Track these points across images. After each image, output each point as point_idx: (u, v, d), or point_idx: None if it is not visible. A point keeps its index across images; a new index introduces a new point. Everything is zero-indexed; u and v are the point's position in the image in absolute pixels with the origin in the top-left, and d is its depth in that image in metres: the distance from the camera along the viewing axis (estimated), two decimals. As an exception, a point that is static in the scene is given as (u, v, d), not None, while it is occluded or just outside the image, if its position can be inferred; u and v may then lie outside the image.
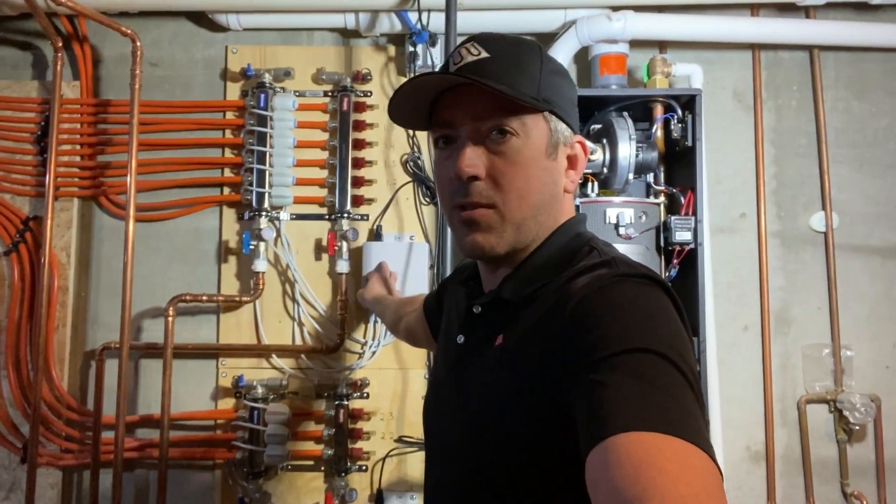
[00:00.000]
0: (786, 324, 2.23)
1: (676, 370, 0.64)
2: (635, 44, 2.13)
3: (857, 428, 2.15)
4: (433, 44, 2.13)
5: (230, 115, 2.24)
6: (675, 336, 0.68)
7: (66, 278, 2.19)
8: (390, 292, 1.94)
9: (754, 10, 2.27)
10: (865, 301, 2.22)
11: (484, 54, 0.82)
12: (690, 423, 0.60)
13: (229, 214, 2.24)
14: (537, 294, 0.81)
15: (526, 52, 0.84)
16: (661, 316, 0.70)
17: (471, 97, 0.81)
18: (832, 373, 2.19)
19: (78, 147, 2.23)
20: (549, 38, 2.17)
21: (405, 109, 0.87)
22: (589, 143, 1.85)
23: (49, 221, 2.10)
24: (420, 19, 2.07)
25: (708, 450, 0.58)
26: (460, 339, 0.90)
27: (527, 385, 0.75)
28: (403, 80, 2.18)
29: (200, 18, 2.28)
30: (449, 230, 1.99)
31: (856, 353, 2.20)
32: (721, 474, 0.58)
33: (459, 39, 1.90)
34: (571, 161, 0.88)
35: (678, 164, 2.03)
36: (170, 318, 2.07)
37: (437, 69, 2.14)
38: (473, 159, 0.81)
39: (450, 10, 1.90)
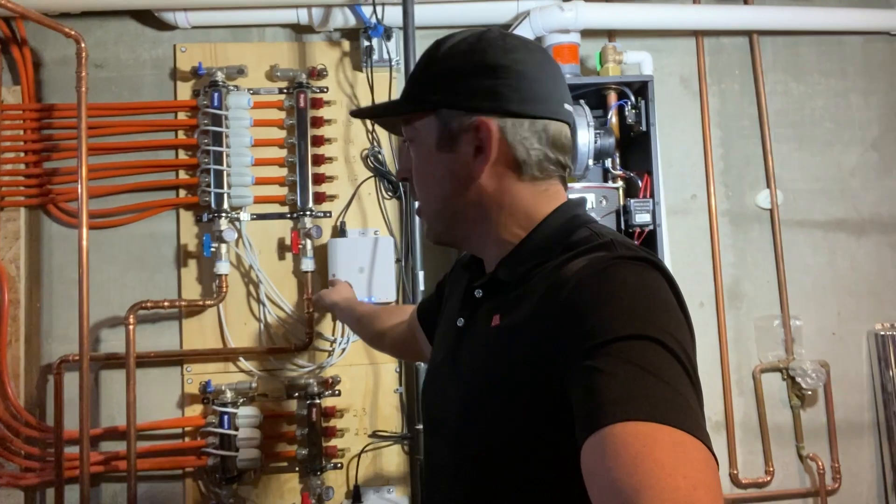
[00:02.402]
0: (738, 298, 2.33)
1: (673, 357, 0.63)
2: (586, 33, 2.18)
3: (809, 393, 2.27)
4: (389, 38, 2.13)
5: (182, 116, 2.19)
6: (673, 322, 0.68)
7: (17, 291, 2.11)
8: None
9: (696, -2, 2.36)
10: (810, 273, 2.34)
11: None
12: (687, 413, 0.59)
13: (187, 217, 2.19)
14: (533, 274, 0.80)
15: (424, 55, 0.89)
16: (659, 301, 0.70)
17: None
18: (783, 342, 2.31)
19: (22, 154, 2.14)
20: (504, 29, 2.19)
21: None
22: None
23: (-5, 233, 2.01)
24: (375, 13, 2.07)
25: (704, 439, 0.58)
26: (460, 321, 0.90)
27: (521, 365, 0.74)
28: (360, 74, 2.21)
29: (146, 17, 2.21)
30: (416, 223, 2.01)
31: (804, 323, 2.32)
32: (717, 463, 0.59)
33: (417, 33, 1.94)
34: (478, 146, 0.83)
35: (633, 149, 2.09)
36: (131, 327, 2.01)
37: (394, 63, 2.16)
38: (403, 163, 0.93)
39: (406, 4, 1.90)
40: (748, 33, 2.36)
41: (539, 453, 0.73)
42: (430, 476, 0.95)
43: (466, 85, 0.83)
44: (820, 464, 2.24)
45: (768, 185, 2.35)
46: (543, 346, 0.72)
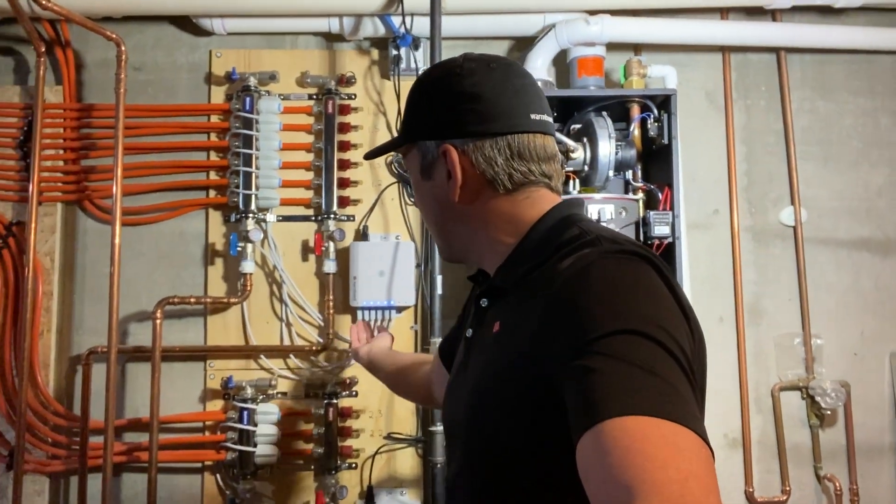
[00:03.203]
0: (758, 315, 2.31)
1: (663, 349, 0.63)
2: (612, 46, 2.21)
3: (829, 413, 2.24)
4: (416, 47, 2.18)
5: (215, 119, 2.26)
6: (661, 312, 0.68)
7: (51, 283, 2.19)
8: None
9: (724, 13, 2.36)
10: (833, 291, 2.32)
11: None
12: (678, 404, 0.59)
13: (215, 217, 2.25)
14: (526, 278, 0.82)
15: (408, 94, 0.95)
16: (646, 293, 0.70)
17: None
18: (803, 361, 2.28)
19: (61, 152, 2.22)
20: (529, 41, 2.23)
21: None
22: (570, 142, 1.93)
23: (33, 226, 2.09)
24: (404, 23, 2.11)
25: (697, 428, 0.58)
26: (469, 332, 0.93)
27: (519, 367, 0.75)
28: (387, 82, 2.26)
29: (184, 23, 2.29)
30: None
31: (825, 342, 2.29)
32: (712, 451, 0.59)
33: (444, 44, 1.98)
34: (449, 171, 0.87)
35: (655, 162, 2.10)
36: (157, 321, 2.08)
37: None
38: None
39: (434, 15, 1.95)
40: (776, 50, 2.36)
41: (541, 454, 0.74)
42: (448, 485, 0.97)
43: (432, 116, 0.89)
44: (837, 485, 2.21)
45: (792, 202, 2.34)
46: (536, 348, 0.73)
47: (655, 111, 2.02)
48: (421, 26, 2.10)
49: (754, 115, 2.38)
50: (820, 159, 2.36)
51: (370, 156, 1.04)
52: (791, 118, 2.35)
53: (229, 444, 2.10)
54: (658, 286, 0.72)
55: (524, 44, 2.27)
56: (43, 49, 2.11)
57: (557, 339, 0.69)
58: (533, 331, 0.74)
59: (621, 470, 0.55)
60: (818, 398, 2.21)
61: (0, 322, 2.15)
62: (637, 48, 2.32)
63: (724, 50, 2.36)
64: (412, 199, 2.24)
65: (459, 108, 0.86)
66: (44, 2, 1.91)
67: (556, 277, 0.74)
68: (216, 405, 2.19)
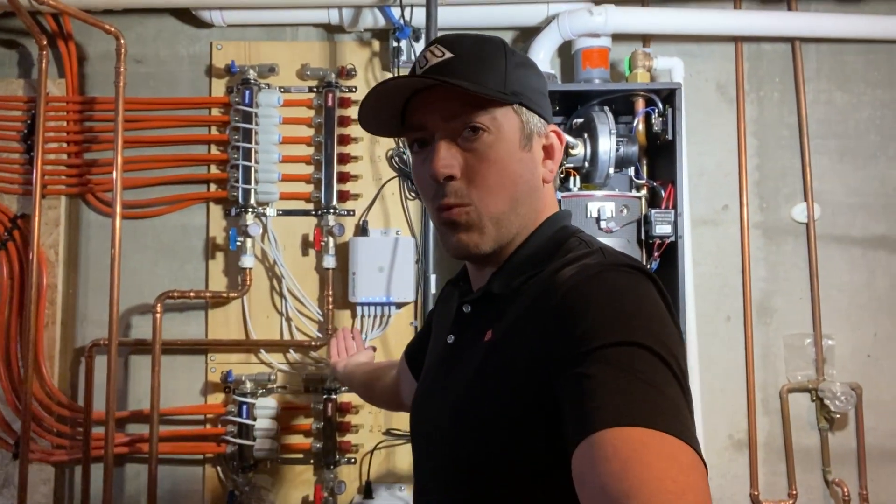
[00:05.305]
0: (768, 314, 2.25)
1: (663, 364, 0.64)
2: (618, 37, 2.14)
3: (839, 416, 2.18)
4: (417, 38, 2.14)
5: (216, 112, 2.25)
6: (663, 328, 0.68)
7: (55, 276, 2.21)
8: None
9: (737, 2, 2.28)
10: (846, 291, 2.25)
11: (448, 55, 0.82)
12: (677, 418, 0.60)
13: (216, 211, 2.25)
14: (525, 286, 0.81)
15: (490, 48, 0.84)
16: (648, 307, 0.70)
17: (439, 98, 0.82)
18: (814, 362, 2.22)
19: (64, 145, 2.24)
20: (532, 32, 2.18)
21: (376, 117, 0.88)
22: (570, 138, 1.88)
23: (37, 219, 2.11)
24: (402, 14, 2.08)
25: (694, 444, 0.58)
26: (450, 338, 0.90)
27: (513, 373, 0.75)
28: (389, 75, 2.22)
29: (184, 15, 2.28)
30: (431, 225, 2.01)
31: (837, 343, 2.22)
32: (706, 468, 0.59)
33: (441, 34, 1.93)
34: (547, 151, 0.87)
35: (660, 158, 2.04)
36: (158, 315, 2.09)
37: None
38: (448, 159, 0.81)
39: (430, 6, 1.90)
40: (790, 40, 2.27)
41: (531, 460, 0.74)
42: (418, 486, 0.93)
43: (540, 94, 0.88)
44: (846, 490, 2.15)
45: (805, 199, 2.26)
46: (535, 354, 0.72)
47: (660, 105, 1.96)
48: (421, 18, 2.05)
49: (767, 107, 2.29)
50: (835, 153, 2.28)
51: (420, 76, 0.83)
52: (806, 110, 2.27)
53: (229, 438, 2.12)
54: (658, 303, 0.72)
55: (527, 35, 2.21)
56: (45, 42, 2.12)
57: (560, 346, 0.68)
58: (532, 337, 0.73)
59: (619, 479, 0.54)
60: (828, 401, 2.15)
61: (6, 314, 2.18)
62: (645, 38, 2.25)
63: (737, 40, 2.28)
64: (413, 195, 2.22)
65: (548, 103, 0.90)
66: (41, -4, 1.91)
67: (558, 286, 0.74)
68: (217, 398, 2.21)
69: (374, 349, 1.54)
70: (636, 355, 0.63)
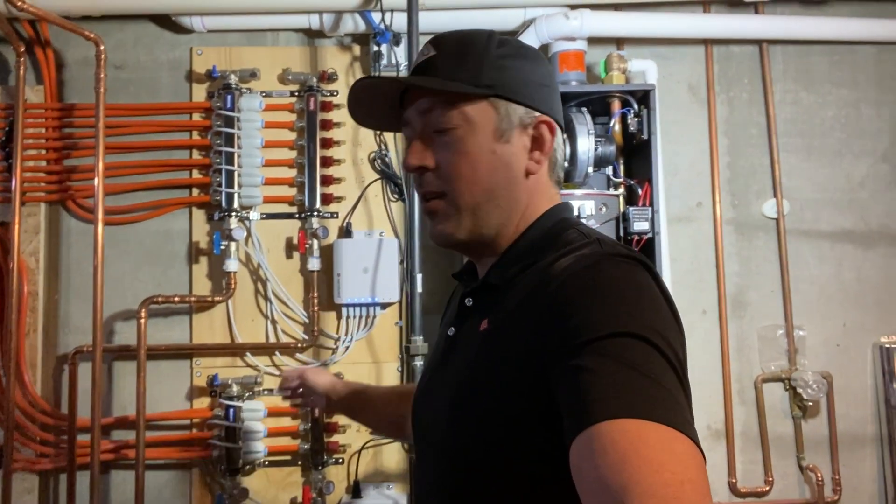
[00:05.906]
0: (741, 307, 2.33)
1: (660, 355, 0.64)
2: (593, 41, 2.20)
3: (811, 404, 2.26)
4: (397, 43, 2.18)
5: (197, 117, 2.26)
6: (660, 319, 0.68)
7: (36, 283, 2.19)
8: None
9: (706, 6, 2.35)
10: (816, 283, 2.33)
11: (432, 53, 0.86)
12: (674, 409, 0.60)
13: (199, 215, 2.26)
14: (520, 277, 0.81)
15: (470, 42, 0.85)
16: (645, 298, 0.70)
17: (417, 95, 0.86)
18: (786, 352, 2.30)
19: (43, 152, 2.22)
20: (510, 36, 2.22)
21: (370, 114, 0.93)
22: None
23: (16, 227, 2.09)
24: (383, 19, 2.11)
25: (691, 435, 0.59)
26: (451, 331, 0.91)
27: (509, 364, 0.74)
28: (369, 79, 2.24)
29: (164, 21, 2.28)
30: (417, 225, 2.05)
31: (808, 333, 2.31)
32: (704, 458, 0.59)
33: (422, 39, 1.97)
34: (536, 142, 0.86)
35: (636, 157, 2.11)
36: (142, 320, 2.09)
37: (402, 69, 2.20)
38: (418, 152, 0.86)
39: (411, 11, 1.94)
40: (758, 42, 2.36)
41: (528, 453, 0.73)
42: (419, 487, 0.94)
43: (529, 83, 0.86)
44: (819, 475, 2.23)
45: (775, 195, 2.34)
46: (531, 344, 0.72)
47: (636, 106, 2.02)
48: (401, 22, 2.09)
49: (737, 107, 2.38)
50: (802, 151, 2.37)
51: (386, 83, 0.89)
52: (773, 110, 2.35)
53: (215, 441, 2.12)
54: (656, 292, 0.72)
55: (506, 38, 2.26)
56: (22, 49, 2.11)
57: (556, 336, 0.68)
58: (528, 328, 0.73)
59: (617, 471, 0.55)
60: (800, 389, 2.23)
61: (-14, 322, 2.16)
62: (619, 42, 2.31)
63: (707, 43, 2.36)
64: (395, 196, 2.25)
65: (553, 87, 0.90)
66: (18, 3, 1.90)
67: (554, 276, 0.74)
68: (203, 403, 2.21)
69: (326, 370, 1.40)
70: (633, 346, 0.63)
